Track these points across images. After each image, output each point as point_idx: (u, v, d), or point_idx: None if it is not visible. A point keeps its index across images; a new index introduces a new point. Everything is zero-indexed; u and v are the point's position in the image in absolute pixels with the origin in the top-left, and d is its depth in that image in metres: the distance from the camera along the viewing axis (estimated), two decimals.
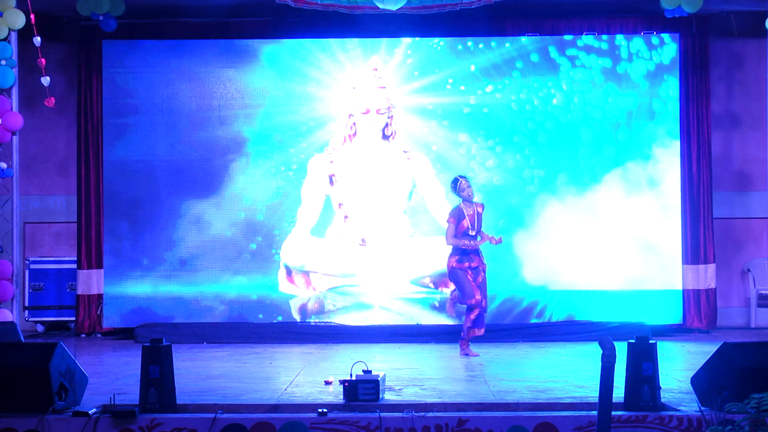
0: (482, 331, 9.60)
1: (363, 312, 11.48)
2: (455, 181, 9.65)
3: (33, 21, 10.19)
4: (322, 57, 11.58)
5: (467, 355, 9.54)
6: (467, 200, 9.57)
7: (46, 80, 10.50)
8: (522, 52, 11.59)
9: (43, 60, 10.40)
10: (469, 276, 9.49)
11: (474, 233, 9.50)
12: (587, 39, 11.57)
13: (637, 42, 11.56)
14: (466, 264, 9.50)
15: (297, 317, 11.50)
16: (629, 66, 11.57)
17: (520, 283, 11.39)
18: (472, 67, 11.60)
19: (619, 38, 11.58)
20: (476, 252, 9.57)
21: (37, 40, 10.28)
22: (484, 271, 9.58)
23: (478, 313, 9.50)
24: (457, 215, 9.54)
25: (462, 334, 9.69)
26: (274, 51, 11.63)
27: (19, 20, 10.39)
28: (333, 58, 11.59)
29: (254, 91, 11.62)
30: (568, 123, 11.57)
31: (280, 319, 11.46)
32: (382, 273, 11.52)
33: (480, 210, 9.61)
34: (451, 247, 9.63)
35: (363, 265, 11.55)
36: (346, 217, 11.58)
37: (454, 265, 9.56)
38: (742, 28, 11.68)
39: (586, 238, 11.49)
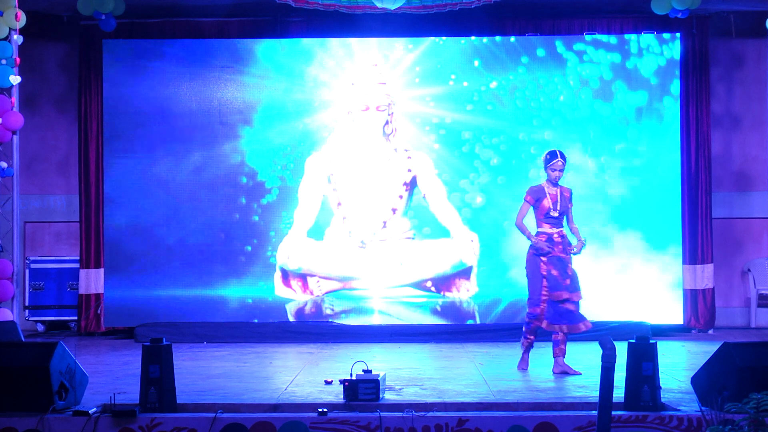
0: (546, 325, 8.32)
1: (362, 317, 11.42)
2: (551, 155, 8.42)
3: (17, 18, 10.24)
4: (322, 56, 11.57)
5: (564, 372, 8.29)
6: (553, 181, 8.40)
7: (16, 79, 10.51)
8: (527, 47, 11.53)
9: (17, 59, 10.45)
10: (543, 269, 8.32)
11: (557, 214, 8.33)
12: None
13: (647, 37, 11.50)
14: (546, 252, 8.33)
15: None
16: (639, 61, 11.50)
17: (524, 285, 11.34)
18: (476, 63, 11.55)
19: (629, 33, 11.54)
20: (561, 239, 8.39)
21: (20, 38, 10.39)
22: (570, 262, 8.38)
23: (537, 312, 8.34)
24: (535, 193, 8.39)
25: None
26: (274, 50, 11.62)
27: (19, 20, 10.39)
28: (333, 57, 11.58)
29: (254, 90, 11.61)
30: (575, 120, 11.51)
31: None
32: (382, 276, 11.47)
33: (567, 195, 8.43)
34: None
35: (362, 267, 11.49)
36: (344, 218, 11.55)
37: (532, 252, 8.39)
38: (742, 28, 11.68)
39: (589, 238, 11.44)
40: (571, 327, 8.31)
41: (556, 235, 8.39)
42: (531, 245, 8.42)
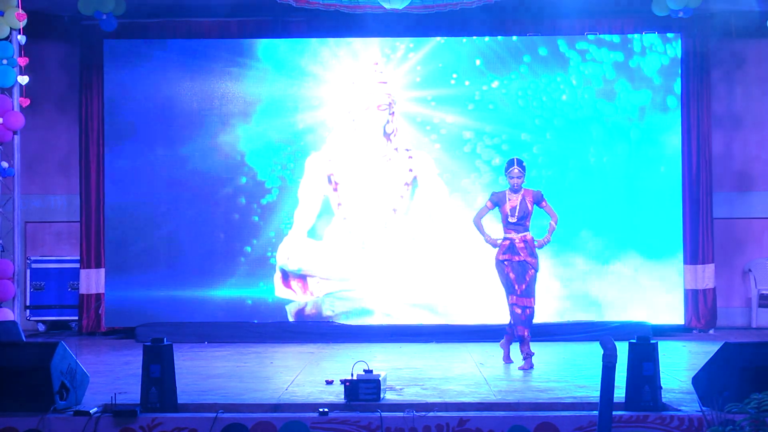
0: (524, 332, 8.77)
1: (362, 317, 11.40)
2: (509, 164, 8.90)
3: (19, 18, 10.24)
4: (323, 55, 11.57)
5: (505, 360, 8.97)
6: (513, 189, 8.84)
7: (24, 79, 10.51)
8: (529, 46, 11.50)
9: (26, 59, 10.46)
10: (508, 271, 8.79)
11: (514, 220, 8.76)
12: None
13: (651, 35, 11.47)
14: (507, 257, 8.79)
15: None
16: (642, 60, 11.47)
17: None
18: (477, 62, 11.53)
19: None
20: (523, 244, 8.80)
21: (23, 38, 10.39)
22: (534, 269, 8.83)
23: (518, 313, 8.79)
24: (497, 198, 8.91)
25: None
26: (275, 50, 11.62)
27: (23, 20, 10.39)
28: (333, 56, 11.57)
29: (254, 89, 11.60)
30: (578, 120, 11.49)
31: None
32: (383, 277, 11.45)
33: (529, 199, 8.83)
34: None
35: (362, 268, 11.47)
36: (344, 218, 11.53)
37: (498, 258, 8.86)
38: (743, 28, 11.66)
39: (592, 239, 11.44)
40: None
41: (518, 241, 8.83)
42: (496, 252, 8.88)
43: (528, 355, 8.76)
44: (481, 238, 8.98)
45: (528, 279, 8.79)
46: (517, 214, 8.77)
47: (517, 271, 8.78)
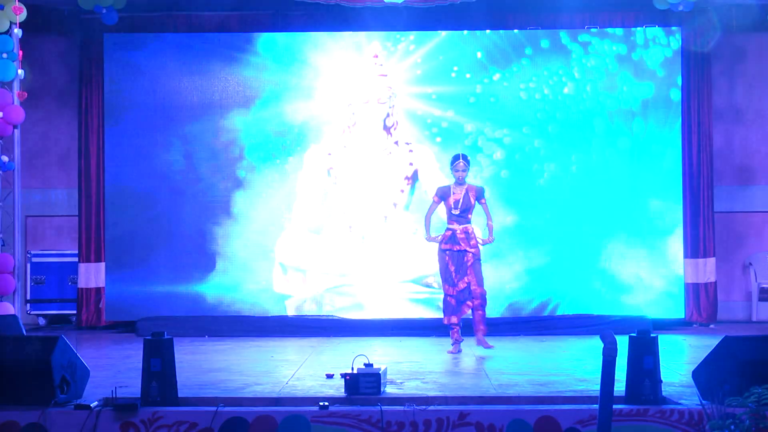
0: (455, 319, 9.41)
1: (362, 312, 11.37)
2: (455, 158, 9.42)
3: (18, 12, 10.23)
4: (322, 48, 11.55)
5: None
6: (458, 182, 9.40)
7: (21, 72, 10.51)
8: (531, 38, 11.47)
9: (21, 52, 10.45)
10: (448, 261, 9.35)
11: (458, 212, 9.32)
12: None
13: (654, 27, 11.42)
14: (448, 246, 9.37)
15: None
16: (645, 53, 11.43)
17: (529, 281, 11.34)
18: (479, 54, 11.50)
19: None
20: (464, 235, 9.35)
21: (20, 32, 10.37)
22: (475, 256, 9.34)
23: (451, 300, 9.37)
24: (441, 192, 9.46)
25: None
26: (275, 44, 11.60)
27: (21, 13, 10.37)
28: (334, 50, 11.55)
29: (254, 83, 11.59)
30: (580, 113, 11.45)
31: None
32: (383, 272, 11.43)
33: (472, 193, 9.38)
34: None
35: (362, 263, 11.45)
36: (344, 212, 11.51)
37: (440, 247, 9.45)
38: (744, 22, 11.64)
39: (592, 232, 11.42)
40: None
41: (459, 231, 9.38)
42: (440, 242, 9.46)
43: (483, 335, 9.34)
44: (424, 234, 9.59)
45: (469, 265, 9.30)
46: (460, 206, 9.33)
47: (457, 262, 9.33)
